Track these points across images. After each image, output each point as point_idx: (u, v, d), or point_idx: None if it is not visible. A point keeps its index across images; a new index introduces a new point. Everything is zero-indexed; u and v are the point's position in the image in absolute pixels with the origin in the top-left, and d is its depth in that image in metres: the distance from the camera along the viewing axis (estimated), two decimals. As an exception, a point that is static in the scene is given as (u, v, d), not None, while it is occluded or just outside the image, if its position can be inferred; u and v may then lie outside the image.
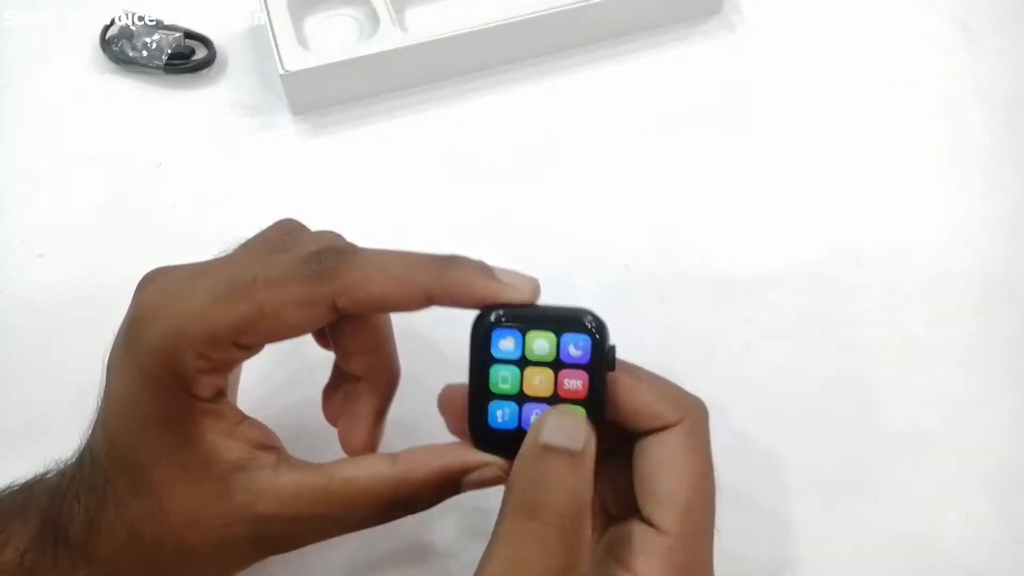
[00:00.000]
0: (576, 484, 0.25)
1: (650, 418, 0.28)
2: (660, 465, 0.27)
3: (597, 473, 0.29)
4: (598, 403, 0.27)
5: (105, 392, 0.29)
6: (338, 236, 0.32)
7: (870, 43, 0.55)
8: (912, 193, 0.48)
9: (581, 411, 0.27)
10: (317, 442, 0.31)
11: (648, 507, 0.27)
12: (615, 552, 0.27)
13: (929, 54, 0.55)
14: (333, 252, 0.28)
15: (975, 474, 0.39)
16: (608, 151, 0.50)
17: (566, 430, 0.26)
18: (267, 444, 0.28)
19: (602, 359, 0.27)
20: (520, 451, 0.26)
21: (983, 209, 0.48)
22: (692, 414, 0.28)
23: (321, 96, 0.51)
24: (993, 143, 0.51)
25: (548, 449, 0.25)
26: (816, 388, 0.41)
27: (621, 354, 0.28)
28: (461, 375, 0.28)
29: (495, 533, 0.25)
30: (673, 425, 0.27)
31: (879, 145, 0.51)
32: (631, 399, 0.28)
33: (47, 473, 0.30)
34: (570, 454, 0.25)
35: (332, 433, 0.32)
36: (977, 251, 0.46)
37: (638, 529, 0.27)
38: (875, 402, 0.41)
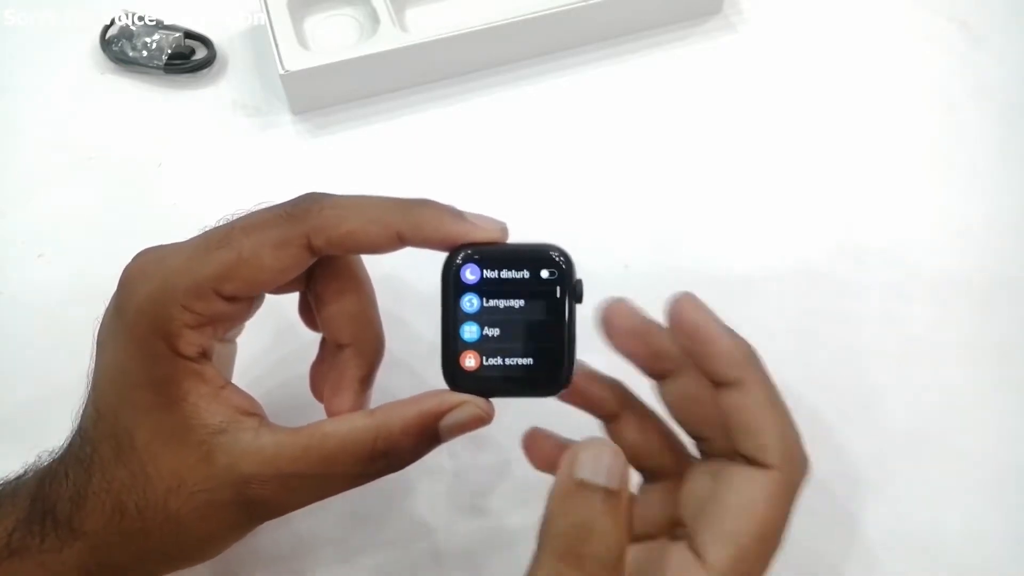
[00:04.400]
0: (616, 531, 0.24)
1: (754, 446, 0.26)
2: (737, 501, 0.25)
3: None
4: (570, 336, 0.28)
5: (95, 365, 0.29)
6: None
7: (870, 43, 0.55)
8: (912, 193, 0.48)
9: (611, 444, 0.26)
10: (305, 418, 0.31)
11: (703, 537, 0.25)
12: (648, 573, 0.26)
13: (929, 54, 0.55)
14: (308, 196, 0.29)
15: (975, 474, 0.39)
16: (608, 151, 0.50)
17: (603, 466, 0.25)
18: (249, 410, 0.29)
19: (570, 291, 0.28)
20: (555, 485, 0.25)
21: (983, 209, 0.48)
22: (794, 467, 0.26)
23: (321, 96, 0.51)
24: (993, 143, 0.51)
25: (584, 486, 0.24)
26: (816, 388, 0.41)
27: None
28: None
29: (531, 574, 0.24)
30: (770, 467, 0.26)
31: (879, 145, 0.51)
32: (750, 415, 0.26)
33: (38, 461, 0.30)
34: (609, 493, 0.24)
35: (321, 411, 0.32)
36: (977, 251, 0.46)
37: (681, 556, 0.26)
38: (875, 402, 0.41)
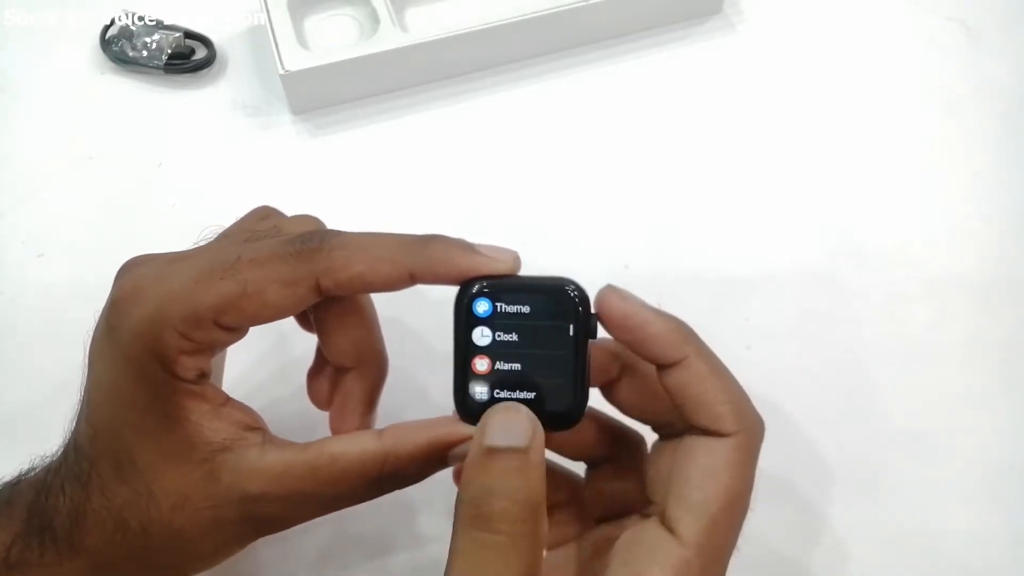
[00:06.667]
0: (524, 484, 0.24)
1: (709, 417, 0.26)
2: (701, 472, 0.26)
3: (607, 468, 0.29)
4: (582, 371, 0.27)
5: (87, 381, 0.28)
6: (317, 220, 0.32)
7: (870, 43, 0.55)
8: (912, 193, 0.48)
9: (522, 407, 0.26)
10: (305, 427, 0.31)
11: (673, 511, 0.26)
12: (623, 552, 0.26)
13: (929, 54, 0.55)
14: (316, 233, 0.28)
15: (975, 474, 0.39)
16: (608, 151, 0.50)
17: (508, 428, 0.25)
18: (252, 425, 0.28)
19: (584, 327, 0.27)
20: (467, 458, 0.26)
21: (983, 209, 0.48)
22: (750, 430, 0.27)
23: (321, 96, 0.51)
24: (993, 143, 0.51)
25: (493, 451, 0.25)
26: (816, 388, 0.41)
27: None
28: (447, 363, 0.28)
29: (451, 549, 0.24)
30: (728, 435, 0.26)
31: (879, 145, 0.51)
32: (699, 390, 0.26)
33: (32, 469, 0.29)
34: (515, 452, 0.25)
35: (320, 419, 0.32)
36: (977, 251, 0.46)
37: (654, 532, 0.26)
38: (875, 402, 0.41)
